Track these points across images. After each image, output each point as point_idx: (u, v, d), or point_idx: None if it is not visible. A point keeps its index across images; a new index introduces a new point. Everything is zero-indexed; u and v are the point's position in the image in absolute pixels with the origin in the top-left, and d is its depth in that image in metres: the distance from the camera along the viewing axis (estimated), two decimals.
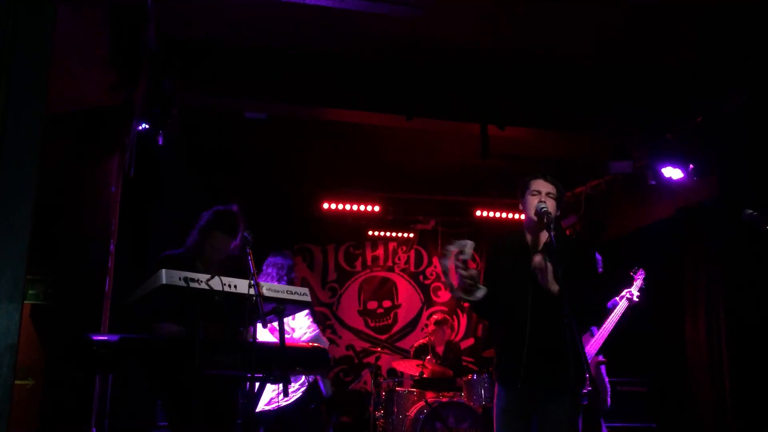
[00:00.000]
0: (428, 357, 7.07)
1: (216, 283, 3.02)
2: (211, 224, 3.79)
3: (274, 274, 4.87)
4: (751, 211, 3.60)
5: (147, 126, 4.78)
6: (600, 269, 5.05)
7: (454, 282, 3.39)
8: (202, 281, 2.98)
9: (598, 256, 5.04)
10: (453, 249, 3.32)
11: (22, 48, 1.72)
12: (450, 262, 3.31)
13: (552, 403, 3.29)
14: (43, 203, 4.58)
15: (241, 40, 5.05)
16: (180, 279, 2.93)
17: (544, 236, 3.47)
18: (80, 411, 4.50)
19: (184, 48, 4.95)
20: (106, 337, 2.95)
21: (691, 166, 5.82)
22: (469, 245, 3.33)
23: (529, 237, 3.57)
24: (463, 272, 3.31)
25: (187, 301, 3.06)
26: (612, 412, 5.87)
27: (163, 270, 2.91)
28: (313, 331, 4.79)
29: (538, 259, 3.35)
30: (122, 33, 4.23)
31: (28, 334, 4.57)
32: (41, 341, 4.58)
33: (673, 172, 5.89)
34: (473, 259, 9.09)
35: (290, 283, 4.86)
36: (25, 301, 4.63)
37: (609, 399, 4.86)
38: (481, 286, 3.35)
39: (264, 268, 4.93)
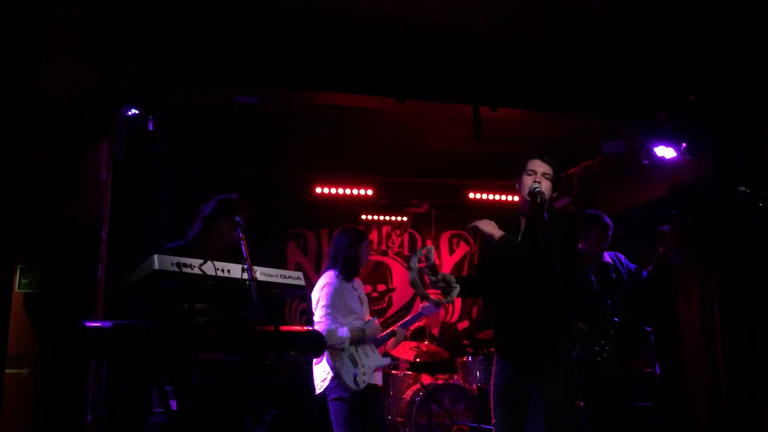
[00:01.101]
0: (425, 341, 7.09)
1: (209, 268, 3.02)
2: (216, 213, 3.80)
3: (332, 252, 4.96)
4: (744, 189, 3.60)
5: (137, 111, 4.74)
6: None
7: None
8: (194, 266, 2.98)
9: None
10: (418, 257, 3.39)
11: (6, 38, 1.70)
12: (416, 272, 3.38)
13: (545, 379, 3.33)
14: (33, 192, 4.58)
15: (230, 24, 4.99)
16: (172, 264, 2.93)
17: (537, 215, 3.49)
18: (75, 399, 4.50)
19: (172, 31, 4.89)
20: (99, 324, 2.94)
21: (684, 145, 5.82)
22: (430, 250, 3.41)
23: (522, 218, 3.59)
24: (434, 278, 3.39)
25: (181, 286, 3.05)
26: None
27: (156, 255, 2.90)
28: (323, 326, 4.67)
29: (481, 223, 3.50)
30: (111, 18, 4.19)
31: (22, 323, 4.56)
32: (35, 330, 4.57)
33: (665, 152, 5.89)
34: (467, 242, 9.15)
35: (345, 261, 4.83)
36: (18, 290, 4.61)
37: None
38: (455, 285, 3.43)
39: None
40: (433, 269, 3.42)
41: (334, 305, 4.71)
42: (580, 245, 4.76)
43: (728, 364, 5.72)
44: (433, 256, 3.46)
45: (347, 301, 4.80)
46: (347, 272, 4.85)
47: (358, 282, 5.04)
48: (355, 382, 4.61)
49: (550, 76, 5.64)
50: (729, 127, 5.61)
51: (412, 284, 3.41)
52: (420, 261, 3.40)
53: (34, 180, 4.63)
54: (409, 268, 3.42)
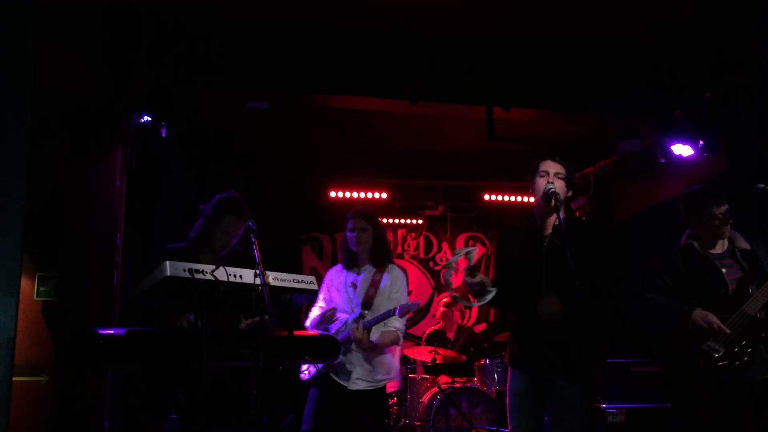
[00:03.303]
0: (442, 349, 7.03)
1: (221, 274, 3.00)
2: (219, 210, 3.78)
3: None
4: (762, 185, 3.54)
5: (149, 118, 4.75)
6: None
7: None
8: (207, 272, 2.96)
9: None
10: (458, 258, 3.32)
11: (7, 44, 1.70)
12: (449, 272, 3.32)
13: (563, 387, 3.28)
14: (48, 200, 4.62)
15: (240, 28, 4.99)
16: (185, 270, 2.91)
17: (553, 218, 3.44)
18: (92, 406, 4.52)
19: (183, 37, 4.90)
20: (112, 331, 2.94)
21: (701, 142, 5.74)
22: (473, 251, 3.33)
23: (538, 220, 3.54)
24: (471, 280, 3.31)
25: (192, 292, 3.04)
26: (626, 393, 5.83)
27: (168, 262, 2.89)
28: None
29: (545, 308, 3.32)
30: (118, 25, 4.21)
31: (40, 331, 4.60)
32: (53, 337, 4.61)
33: (682, 150, 5.81)
34: (483, 244, 9.10)
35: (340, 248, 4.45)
36: (36, 298, 4.66)
37: None
38: (491, 288, 3.35)
39: None
40: (473, 270, 3.34)
41: (322, 296, 4.46)
42: (691, 230, 3.95)
43: None
44: (474, 256, 3.35)
45: (327, 291, 4.47)
46: (343, 259, 4.50)
47: (367, 269, 4.38)
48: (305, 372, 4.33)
49: (563, 75, 5.59)
50: (746, 124, 5.52)
51: (446, 283, 3.35)
52: (463, 261, 3.34)
53: (48, 188, 4.67)
54: (447, 265, 3.36)
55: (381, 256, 4.39)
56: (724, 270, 3.76)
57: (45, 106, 4.45)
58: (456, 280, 3.52)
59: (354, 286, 4.36)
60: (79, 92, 4.43)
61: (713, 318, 3.60)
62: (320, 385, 4.22)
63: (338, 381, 4.18)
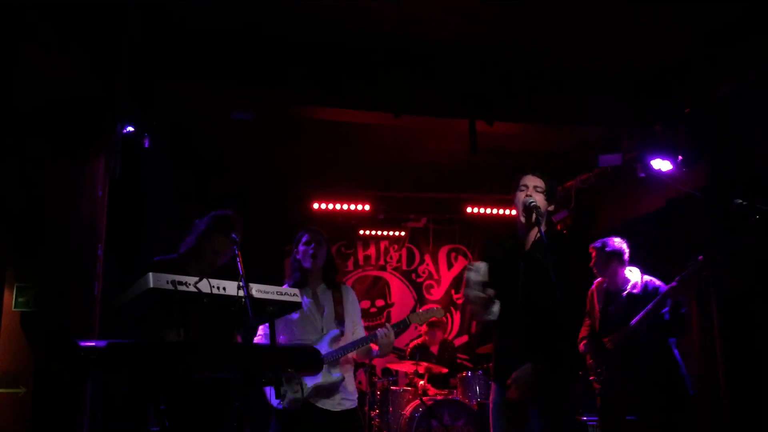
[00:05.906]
0: (424, 363, 7.04)
1: (204, 286, 2.98)
2: (212, 229, 3.78)
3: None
4: (740, 201, 3.60)
5: (132, 129, 4.74)
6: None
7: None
8: (190, 284, 2.94)
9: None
10: (473, 277, 3.32)
11: None
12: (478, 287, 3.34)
13: (546, 401, 3.28)
14: (29, 209, 4.57)
15: (226, 38, 5.00)
16: (167, 282, 2.89)
17: (533, 232, 3.46)
18: (71, 418, 4.46)
19: (168, 45, 4.90)
20: (93, 343, 2.90)
21: (680, 157, 5.82)
22: (483, 266, 3.35)
23: (520, 235, 3.55)
24: (482, 294, 3.33)
25: (176, 304, 3.02)
26: (590, 405, 5.87)
27: (150, 273, 2.86)
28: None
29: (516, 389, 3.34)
30: (103, 28, 4.20)
31: (18, 342, 4.53)
32: (31, 348, 4.55)
33: (662, 164, 5.88)
34: (465, 256, 9.13)
35: (290, 267, 4.32)
36: (15, 309, 4.59)
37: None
38: (496, 300, 3.39)
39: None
40: (485, 285, 3.36)
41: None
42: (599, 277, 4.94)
43: (728, 371, 5.68)
44: (486, 271, 3.37)
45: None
46: (293, 279, 4.29)
47: (322, 289, 4.32)
48: (280, 399, 4.00)
49: (545, 89, 5.66)
50: (724, 138, 5.61)
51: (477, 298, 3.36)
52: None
53: (28, 196, 4.63)
54: (471, 286, 3.36)
55: (333, 275, 4.39)
56: (612, 308, 4.82)
57: (25, 113, 4.42)
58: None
59: (318, 306, 4.28)
60: (61, 98, 4.41)
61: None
62: (298, 416, 4.01)
63: (321, 407, 4.06)
